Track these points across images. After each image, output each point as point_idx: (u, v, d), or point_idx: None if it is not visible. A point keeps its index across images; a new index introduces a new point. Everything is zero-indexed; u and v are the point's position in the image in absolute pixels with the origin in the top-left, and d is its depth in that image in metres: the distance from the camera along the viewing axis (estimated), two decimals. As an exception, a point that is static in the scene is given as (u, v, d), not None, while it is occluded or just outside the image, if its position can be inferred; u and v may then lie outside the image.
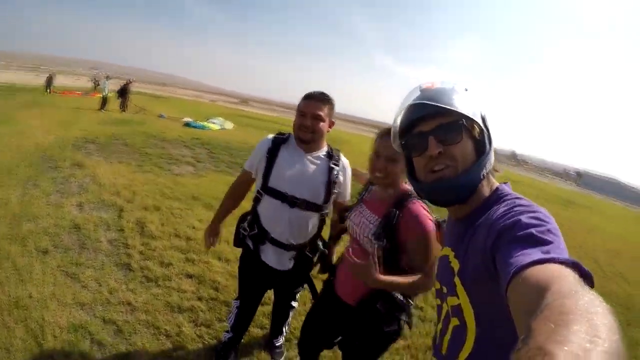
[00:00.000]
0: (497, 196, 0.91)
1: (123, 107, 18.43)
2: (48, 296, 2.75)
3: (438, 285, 1.03)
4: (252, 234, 2.00)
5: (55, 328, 2.45)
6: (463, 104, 0.91)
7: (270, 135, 2.03)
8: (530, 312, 0.51)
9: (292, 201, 1.89)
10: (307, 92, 1.95)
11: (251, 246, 2.03)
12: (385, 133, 1.51)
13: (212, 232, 2.26)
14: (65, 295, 2.80)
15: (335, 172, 1.98)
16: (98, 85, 19.64)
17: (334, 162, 1.99)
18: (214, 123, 16.91)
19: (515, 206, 0.81)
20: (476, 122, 0.92)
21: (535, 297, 0.53)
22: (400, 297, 1.55)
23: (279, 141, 1.97)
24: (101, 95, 18.42)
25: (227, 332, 2.27)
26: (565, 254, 0.64)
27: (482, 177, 0.92)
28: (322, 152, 2.01)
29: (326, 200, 1.97)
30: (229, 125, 18.14)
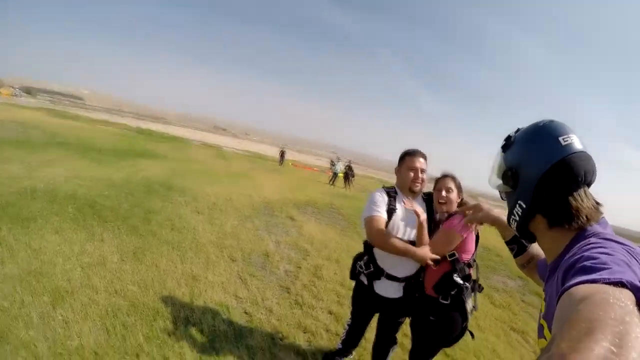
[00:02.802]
0: (580, 237, 0.88)
1: (347, 185, 21.26)
2: (217, 283, 3.72)
3: None
4: (368, 271, 2.38)
5: (209, 300, 3.34)
6: (497, 166, 1.08)
7: (382, 189, 2.42)
8: (561, 321, 0.51)
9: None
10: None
11: (365, 282, 2.43)
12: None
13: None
14: (229, 287, 3.71)
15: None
16: (333, 165, 23.28)
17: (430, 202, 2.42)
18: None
19: (586, 244, 0.78)
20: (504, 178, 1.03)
21: (569, 310, 0.53)
22: (458, 279, 2.09)
23: (392, 194, 2.37)
24: (332, 173, 22.44)
25: (339, 344, 2.77)
26: (622, 276, 0.58)
27: (514, 219, 1.00)
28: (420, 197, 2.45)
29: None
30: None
